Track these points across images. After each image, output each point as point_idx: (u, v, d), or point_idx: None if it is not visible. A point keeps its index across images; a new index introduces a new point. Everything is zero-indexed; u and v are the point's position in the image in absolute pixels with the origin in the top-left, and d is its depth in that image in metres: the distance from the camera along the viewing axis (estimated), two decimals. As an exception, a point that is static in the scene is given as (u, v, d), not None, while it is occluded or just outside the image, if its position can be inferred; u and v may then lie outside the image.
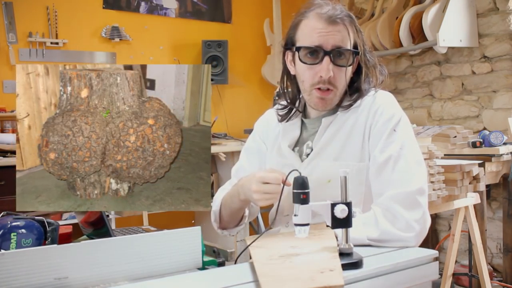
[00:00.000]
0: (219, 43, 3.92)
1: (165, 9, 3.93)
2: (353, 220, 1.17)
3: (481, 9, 3.43)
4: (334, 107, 1.44)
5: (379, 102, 1.39)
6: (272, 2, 4.20)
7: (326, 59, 1.35)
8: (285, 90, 1.51)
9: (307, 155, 1.44)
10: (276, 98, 3.32)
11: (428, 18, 3.37)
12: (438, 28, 3.28)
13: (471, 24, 3.39)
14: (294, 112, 1.51)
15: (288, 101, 1.52)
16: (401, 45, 3.59)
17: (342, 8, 1.40)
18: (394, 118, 1.36)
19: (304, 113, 1.52)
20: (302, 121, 1.51)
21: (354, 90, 1.43)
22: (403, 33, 3.52)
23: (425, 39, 3.44)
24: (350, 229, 1.07)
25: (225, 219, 1.51)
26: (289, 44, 1.44)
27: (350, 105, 1.41)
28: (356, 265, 1.02)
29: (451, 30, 3.30)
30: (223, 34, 4.11)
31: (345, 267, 1.00)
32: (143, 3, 3.83)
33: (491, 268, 3.23)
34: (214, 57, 3.90)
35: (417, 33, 3.49)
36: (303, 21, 1.39)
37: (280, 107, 1.54)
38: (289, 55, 1.45)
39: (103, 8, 3.68)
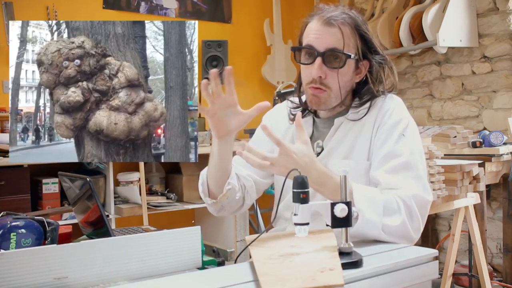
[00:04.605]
0: (219, 43, 3.91)
1: (165, 9, 3.93)
2: (370, 190, 1.26)
3: (481, 9, 3.43)
4: (344, 109, 1.48)
5: (388, 105, 1.43)
6: (272, 2, 4.19)
7: (318, 60, 1.39)
8: (300, 90, 1.54)
9: (318, 154, 1.48)
10: (276, 98, 3.32)
11: (428, 18, 3.37)
12: (438, 28, 3.28)
13: (471, 24, 3.39)
14: (307, 112, 1.54)
15: (302, 101, 1.54)
16: (401, 45, 3.59)
17: (347, 12, 1.41)
18: (402, 122, 1.40)
19: (315, 113, 1.55)
20: (314, 120, 1.54)
21: (365, 91, 1.46)
22: (403, 33, 3.52)
23: (425, 39, 3.44)
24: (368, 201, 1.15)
25: (212, 181, 1.46)
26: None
27: (360, 106, 1.45)
28: (356, 264, 1.03)
29: (451, 30, 3.30)
30: (223, 34, 4.10)
31: (345, 266, 1.00)
32: (143, 3, 3.82)
33: (491, 268, 3.23)
34: (214, 57, 3.89)
35: (417, 33, 3.48)
36: (308, 24, 1.44)
37: (291, 105, 1.56)
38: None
39: (103, 8, 3.68)
